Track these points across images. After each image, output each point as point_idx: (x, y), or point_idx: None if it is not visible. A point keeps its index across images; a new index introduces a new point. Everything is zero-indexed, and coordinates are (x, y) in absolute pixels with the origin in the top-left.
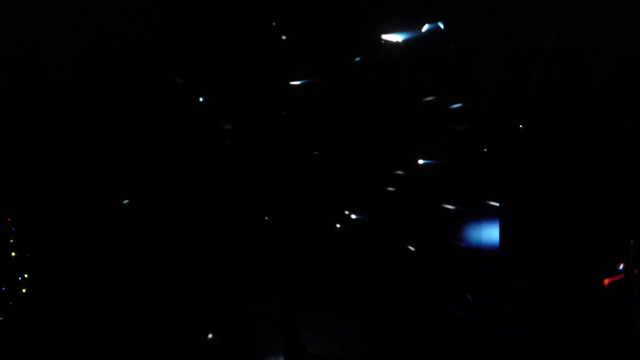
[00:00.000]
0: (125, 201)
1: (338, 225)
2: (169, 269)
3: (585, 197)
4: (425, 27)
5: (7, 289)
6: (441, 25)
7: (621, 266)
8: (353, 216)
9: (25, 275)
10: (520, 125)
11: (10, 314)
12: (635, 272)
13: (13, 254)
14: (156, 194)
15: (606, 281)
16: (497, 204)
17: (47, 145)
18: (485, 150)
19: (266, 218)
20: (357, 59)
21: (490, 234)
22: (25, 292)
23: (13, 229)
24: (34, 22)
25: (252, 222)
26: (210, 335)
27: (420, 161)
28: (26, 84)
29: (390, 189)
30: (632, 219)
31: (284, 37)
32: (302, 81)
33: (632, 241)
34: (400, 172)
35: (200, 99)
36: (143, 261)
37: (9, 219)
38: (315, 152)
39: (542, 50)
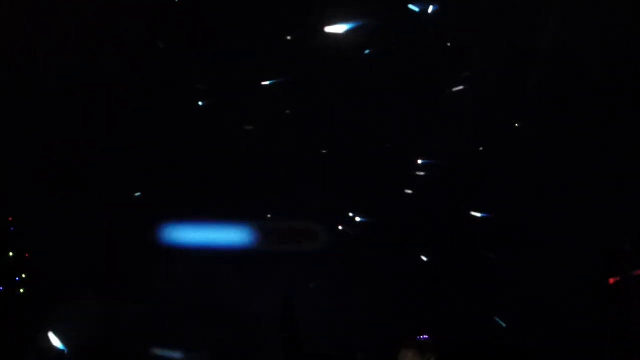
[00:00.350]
0: (137, 194)
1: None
2: (168, 268)
3: (586, 195)
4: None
5: (5, 289)
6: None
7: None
8: (357, 219)
9: (23, 276)
10: (516, 124)
11: (7, 314)
12: (637, 272)
13: (11, 253)
14: (154, 193)
15: (612, 281)
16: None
17: (46, 145)
18: (481, 149)
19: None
20: (367, 51)
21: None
22: (23, 293)
23: (12, 228)
24: (32, 23)
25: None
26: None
27: (419, 161)
28: (25, 84)
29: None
30: (631, 217)
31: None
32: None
33: (629, 239)
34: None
35: (200, 103)
36: (142, 260)
37: (9, 219)
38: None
39: (539, 47)
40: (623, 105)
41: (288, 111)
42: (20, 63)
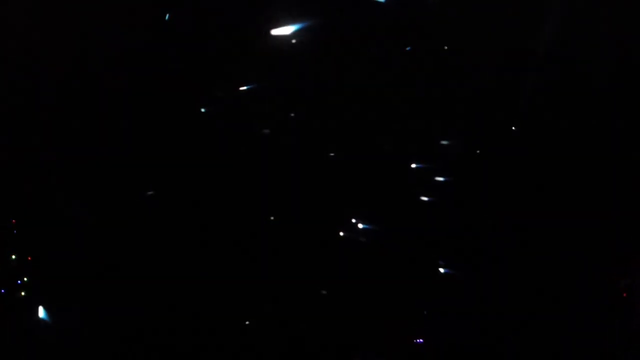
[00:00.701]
0: (150, 192)
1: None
2: (171, 271)
3: (590, 198)
4: None
5: (7, 292)
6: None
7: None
8: (360, 225)
9: (25, 279)
10: (513, 127)
11: (9, 317)
12: None
13: (13, 256)
14: (155, 195)
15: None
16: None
17: (48, 147)
18: (478, 152)
19: (272, 218)
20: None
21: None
22: (25, 295)
23: (15, 231)
24: (28, 23)
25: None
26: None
27: (413, 165)
28: (22, 85)
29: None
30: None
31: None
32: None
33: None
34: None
35: (203, 110)
36: (145, 263)
37: (13, 221)
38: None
39: (536, 51)
40: (623, 105)
41: (292, 114)
42: (20, 62)
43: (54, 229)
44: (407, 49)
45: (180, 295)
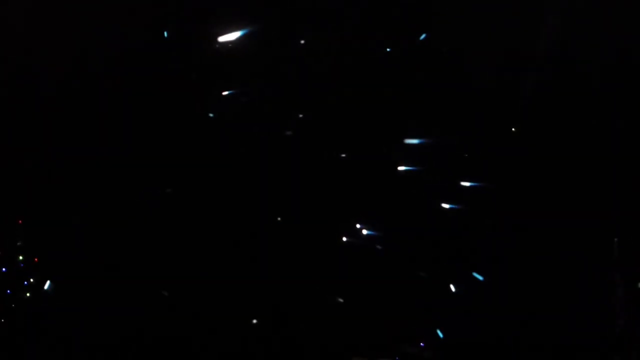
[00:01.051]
0: (158, 192)
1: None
2: (171, 271)
3: (590, 198)
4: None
5: (13, 293)
6: None
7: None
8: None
9: (31, 280)
10: (513, 129)
11: (14, 318)
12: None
13: (20, 257)
14: (157, 196)
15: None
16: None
17: (53, 148)
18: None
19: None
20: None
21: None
22: (30, 296)
23: (20, 232)
24: (28, 23)
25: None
26: None
27: (402, 168)
28: (22, 85)
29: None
30: (620, 219)
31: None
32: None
33: (615, 240)
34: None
35: (211, 115)
36: (149, 264)
37: (19, 222)
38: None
39: (535, 52)
40: (624, 105)
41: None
42: (20, 62)
43: (54, 229)
44: (422, 37)
45: (180, 295)
